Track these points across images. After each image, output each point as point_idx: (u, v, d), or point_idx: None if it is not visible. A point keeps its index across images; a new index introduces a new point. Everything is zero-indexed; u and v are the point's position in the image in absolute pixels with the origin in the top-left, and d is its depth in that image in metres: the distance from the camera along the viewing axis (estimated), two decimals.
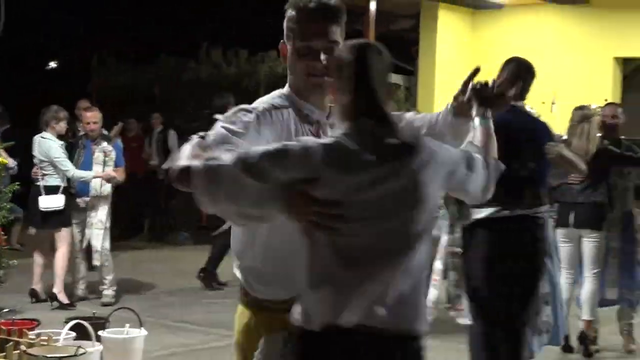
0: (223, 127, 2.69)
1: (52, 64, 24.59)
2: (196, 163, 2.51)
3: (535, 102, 7.41)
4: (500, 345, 4.99)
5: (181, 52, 15.47)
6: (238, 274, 2.92)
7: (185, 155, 2.58)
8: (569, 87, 12.65)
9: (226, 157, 2.50)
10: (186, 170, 2.52)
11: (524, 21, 14.26)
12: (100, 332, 3.94)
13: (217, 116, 2.82)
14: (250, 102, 2.86)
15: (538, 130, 5.26)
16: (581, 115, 6.90)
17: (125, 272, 9.76)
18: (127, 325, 4.09)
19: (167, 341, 7.08)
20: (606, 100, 10.73)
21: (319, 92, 2.82)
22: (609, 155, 6.81)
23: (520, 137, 4.93)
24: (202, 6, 19.65)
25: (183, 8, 19.91)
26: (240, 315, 2.94)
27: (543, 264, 5.03)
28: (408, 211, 2.54)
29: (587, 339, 6.84)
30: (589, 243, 6.85)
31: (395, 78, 13.76)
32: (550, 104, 12.32)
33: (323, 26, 2.78)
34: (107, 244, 8.71)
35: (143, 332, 4.09)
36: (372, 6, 12.81)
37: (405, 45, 14.73)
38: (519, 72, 5.16)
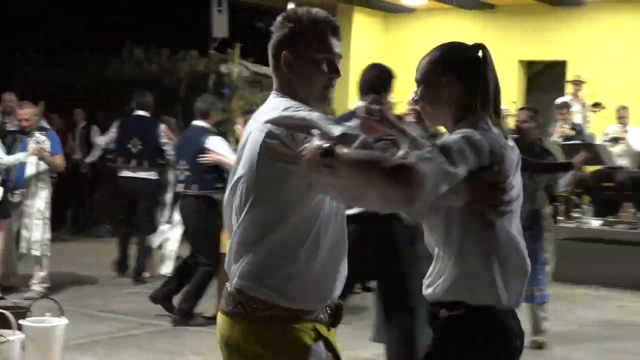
0: (346, 131, 2.67)
1: None
2: (410, 160, 2.50)
3: None
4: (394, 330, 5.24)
5: (105, 50, 15.58)
6: (257, 288, 2.69)
7: (369, 157, 2.51)
8: None
9: (430, 149, 2.60)
10: (399, 168, 2.46)
11: (435, 25, 14.63)
12: (21, 321, 4.14)
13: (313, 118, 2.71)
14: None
15: None
16: None
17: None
18: (48, 314, 4.39)
19: (88, 329, 7.21)
20: (514, 102, 11.28)
21: (325, 104, 2.87)
22: None
23: None
24: (126, 5, 19.76)
25: (107, 6, 19.97)
26: (249, 333, 2.71)
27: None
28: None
29: None
30: None
31: None
32: None
33: (337, 39, 2.85)
34: (48, 235, 8.62)
35: (64, 320, 4.34)
36: (290, 7, 13.17)
37: None
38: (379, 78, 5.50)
